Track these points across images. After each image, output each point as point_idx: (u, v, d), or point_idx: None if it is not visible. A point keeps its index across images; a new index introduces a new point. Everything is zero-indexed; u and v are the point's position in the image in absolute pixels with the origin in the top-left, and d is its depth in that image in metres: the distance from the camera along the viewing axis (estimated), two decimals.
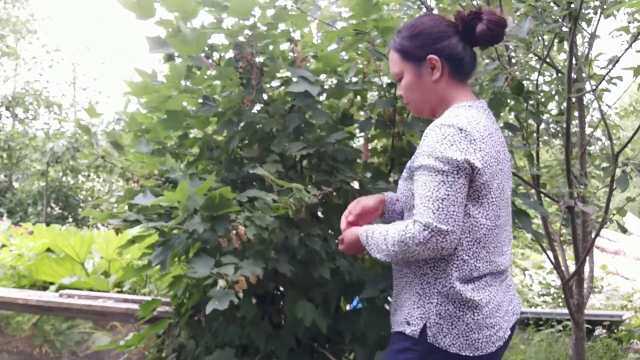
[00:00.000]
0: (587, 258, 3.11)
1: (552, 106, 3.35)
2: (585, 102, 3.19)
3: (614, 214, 2.83)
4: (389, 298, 2.07)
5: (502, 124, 2.45)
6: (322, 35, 2.32)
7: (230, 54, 2.14)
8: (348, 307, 2.33)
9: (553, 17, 2.46)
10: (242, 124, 2.11)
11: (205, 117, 2.15)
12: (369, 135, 2.35)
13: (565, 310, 4.14)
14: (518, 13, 2.57)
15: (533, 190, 2.85)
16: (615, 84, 2.98)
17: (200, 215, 1.75)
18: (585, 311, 3.05)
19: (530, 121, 2.82)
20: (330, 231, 2.09)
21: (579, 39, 3.18)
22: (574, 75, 2.63)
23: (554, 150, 4.04)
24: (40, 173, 10.30)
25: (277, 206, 1.79)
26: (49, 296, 3.11)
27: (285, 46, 2.16)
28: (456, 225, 1.33)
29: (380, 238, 1.43)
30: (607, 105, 3.43)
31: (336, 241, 1.63)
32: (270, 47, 2.10)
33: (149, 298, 2.73)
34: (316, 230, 1.99)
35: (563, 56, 3.46)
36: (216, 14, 2.08)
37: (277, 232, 1.82)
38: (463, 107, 1.46)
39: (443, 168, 1.34)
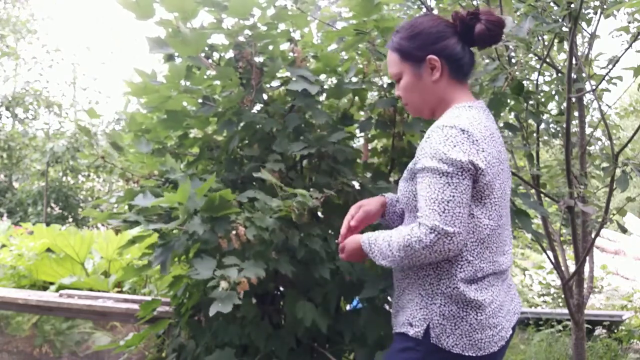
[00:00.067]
0: (587, 258, 3.11)
1: (552, 106, 3.35)
2: (585, 102, 3.18)
3: (614, 214, 2.82)
4: (388, 298, 2.08)
5: (502, 124, 2.45)
6: (322, 35, 2.32)
7: (230, 54, 2.13)
8: (348, 307, 2.33)
9: (553, 17, 2.46)
10: (242, 124, 2.11)
11: (205, 117, 2.15)
12: (369, 136, 2.35)
13: (565, 310, 4.14)
14: (518, 13, 2.57)
15: (533, 190, 2.85)
16: (615, 84, 2.98)
17: (200, 216, 1.75)
18: (585, 311, 3.05)
19: (530, 121, 2.82)
20: (330, 231, 2.09)
21: (579, 39, 3.18)
22: (574, 75, 2.63)
23: (554, 150, 4.03)
24: (40, 173, 10.31)
25: (281, 210, 1.79)
26: (49, 296, 3.11)
27: (285, 46, 2.16)
28: (462, 226, 1.33)
29: (384, 244, 1.42)
30: (607, 105, 3.43)
31: (337, 241, 1.63)
32: (270, 47, 2.10)
33: (149, 298, 2.73)
34: (316, 231, 1.99)
35: (563, 56, 3.46)
36: (216, 14, 2.08)
37: (277, 232, 1.82)
38: (463, 108, 1.46)
39: (447, 170, 1.34)
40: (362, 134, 2.32)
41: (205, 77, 2.07)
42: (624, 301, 5.80)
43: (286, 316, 2.12)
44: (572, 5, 2.42)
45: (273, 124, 2.08)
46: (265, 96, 2.20)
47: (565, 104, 2.67)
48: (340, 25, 2.29)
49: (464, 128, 1.37)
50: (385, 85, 2.15)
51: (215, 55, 2.20)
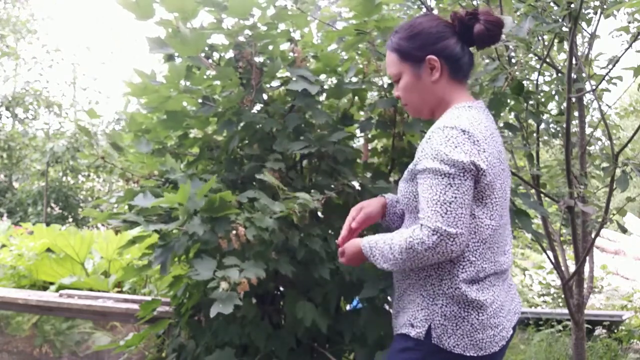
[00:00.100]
0: (587, 258, 3.11)
1: (552, 106, 3.35)
2: (585, 102, 3.18)
3: (614, 214, 2.82)
4: (388, 298, 2.07)
5: (502, 124, 2.45)
6: (322, 35, 2.32)
7: (230, 54, 2.13)
8: (348, 307, 2.33)
9: (553, 17, 2.46)
10: (242, 124, 2.11)
11: (205, 117, 2.15)
12: (370, 136, 2.35)
13: (565, 310, 4.14)
14: (518, 13, 2.57)
15: (533, 190, 2.85)
16: (615, 84, 2.98)
17: (200, 217, 1.75)
18: (585, 311, 3.05)
19: (530, 121, 2.82)
20: (330, 231, 2.09)
21: (579, 39, 3.18)
22: (574, 75, 2.63)
23: (554, 150, 4.03)
24: (40, 173, 10.31)
25: (282, 212, 1.79)
26: (49, 296, 3.11)
27: (285, 46, 2.16)
28: (464, 227, 1.33)
29: (386, 247, 1.41)
30: (607, 105, 3.43)
31: (337, 241, 1.63)
32: (270, 47, 2.09)
33: (149, 298, 2.73)
34: (316, 231, 1.99)
35: (563, 56, 3.46)
36: (216, 14, 2.08)
37: (277, 233, 1.82)
38: (463, 108, 1.45)
39: (449, 171, 1.34)
40: (362, 134, 2.32)
41: (205, 77, 2.07)
42: (624, 301, 5.80)
43: (286, 316, 2.12)
44: (572, 5, 2.42)
45: (273, 124, 2.08)
46: (265, 96, 2.20)
47: (565, 104, 2.67)
48: (340, 25, 2.29)
49: (464, 129, 1.37)
50: (385, 85, 2.15)
51: (215, 55, 2.20)
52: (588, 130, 3.23)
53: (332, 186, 2.05)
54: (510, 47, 2.53)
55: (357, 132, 2.29)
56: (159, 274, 2.11)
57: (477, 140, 1.38)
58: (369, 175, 2.23)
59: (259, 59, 2.11)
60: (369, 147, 2.43)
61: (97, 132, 9.57)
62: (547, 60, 2.86)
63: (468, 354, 1.39)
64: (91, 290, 3.70)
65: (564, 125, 2.69)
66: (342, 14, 2.44)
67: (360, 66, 2.18)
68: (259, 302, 2.14)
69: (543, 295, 5.92)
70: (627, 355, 4.28)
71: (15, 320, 3.81)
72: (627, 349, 4.49)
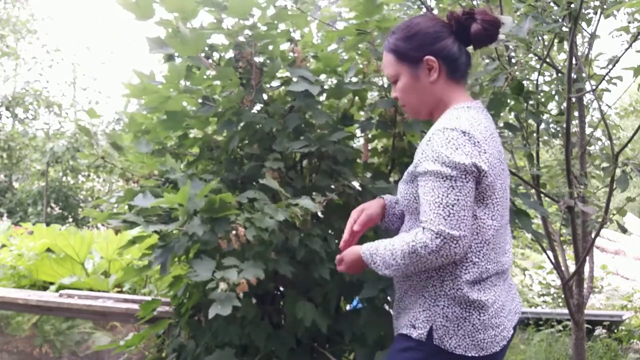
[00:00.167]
0: (587, 258, 3.11)
1: (552, 106, 3.35)
2: (585, 102, 3.18)
3: (614, 214, 2.82)
4: (388, 298, 2.07)
5: (502, 124, 2.45)
6: (322, 35, 2.32)
7: (230, 54, 2.13)
8: (348, 307, 2.33)
9: (553, 17, 2.45)
10: (242, 124, 2.11)
11: (205, 117, 2.15)
12: (370, 136, 2.35)
13: (565, 310, 4.14)
14: (518, 13, 2.57)
15: (533, 190, 2.85)
16: (615, 84, 2.98)
17: (200, 217, 1.75)
18: (585, 311, 3.05)
19: (530, 121, 2.82)
20: (330, 231, 2.09)
21: (579, 39, 3.18)
22: (574, 75, 2.63)
23: (554, 150, 4.03)
24: (40, 173, 10.31)
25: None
26: (49, 296, 3.11)
27: (285, 46, 2.16)
28: (467, 229, 1.32)
29: (387, 253, 1.40)
30: (607, 105, 3.43)
31: (337, 241, 1.63)
32: (270, 47, 2.09)
33: (149, 298, 2.73)
34: (316, 231, 1.99)
35: (563, 56, 3.46)
36: (216, 14, 2.08)
37: (277, 233, 1.82)
38: (462, 109, 1.45)
39: (451, 173, 1.33)
40: (363, 134, 2.32)
41: (205, 77, 2.07)
42: (624, 301, 5.80)
43: (286, 316, 2.12)
44: (572, 5, 2.42)
45: (273, 124, 2.08)
46: (265, 96, 2.20)
47: (565, 104, 2.67)
48: (340, 25, 2.29)
49: (465, 130, 1.37)
50: (385, 85, 2.15)
51: (215, 55, 2.20)
52: (588, 130, 3.23)
53: (333, 187, 2.05)
54: (510, 47, 2.53)
55: (357, 132, 2.29)
56: (159, 274, 2.10)
57: (478, 142, 1.37)
58: (369, 175, 2.23)
59: (259, 59, 2.11)
60: (369, 147, 2.43)
61: (97, 132, 9.57)
62: (547, 60, 2.86)
63: (469, 355, 1.39)
64: (91, 290, 3.70)
65: (564, 125, 2.69)
66: (342, 14, 2.44)
67: (361, 66, 2.18)
68: (259, 302, 2.14)
69: (543, 295, 5.92)
70: (627, 355, 4.28)
71: (15, 320, 3.81)
72: (627, 349, 4.49)
